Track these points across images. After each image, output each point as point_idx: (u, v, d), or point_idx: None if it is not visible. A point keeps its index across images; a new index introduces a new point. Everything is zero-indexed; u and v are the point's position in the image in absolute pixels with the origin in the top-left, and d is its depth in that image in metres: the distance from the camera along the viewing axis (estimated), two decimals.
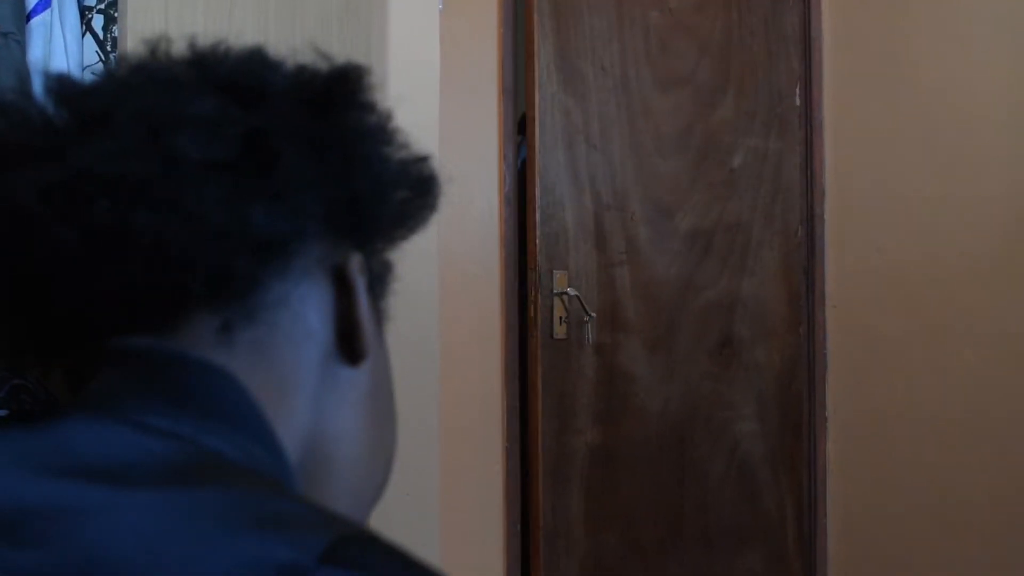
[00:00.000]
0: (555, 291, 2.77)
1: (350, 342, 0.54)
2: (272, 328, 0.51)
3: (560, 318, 2.78)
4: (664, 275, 2.94)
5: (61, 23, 1.75)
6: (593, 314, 2.79)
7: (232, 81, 0.51)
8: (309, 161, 0.51)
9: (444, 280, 2.28)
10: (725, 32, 3.02)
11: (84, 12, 1.81)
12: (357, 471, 0.54)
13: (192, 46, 0.54)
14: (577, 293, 2.77)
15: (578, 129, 2.81)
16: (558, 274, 2.78)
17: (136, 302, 0.49)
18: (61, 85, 0.53)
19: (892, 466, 2.80)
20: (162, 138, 0.48)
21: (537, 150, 2.75)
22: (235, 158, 0.49)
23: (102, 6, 1.83)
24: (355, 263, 0.54)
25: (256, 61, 0.54)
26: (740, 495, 3.03)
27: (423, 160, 0.57)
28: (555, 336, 2.77)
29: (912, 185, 2.73)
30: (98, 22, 1.83)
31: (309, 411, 0.52)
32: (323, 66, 0.55)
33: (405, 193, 0.56)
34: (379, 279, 0.59)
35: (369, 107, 0.55)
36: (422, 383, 1.77)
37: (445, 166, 0.61)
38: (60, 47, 1.75)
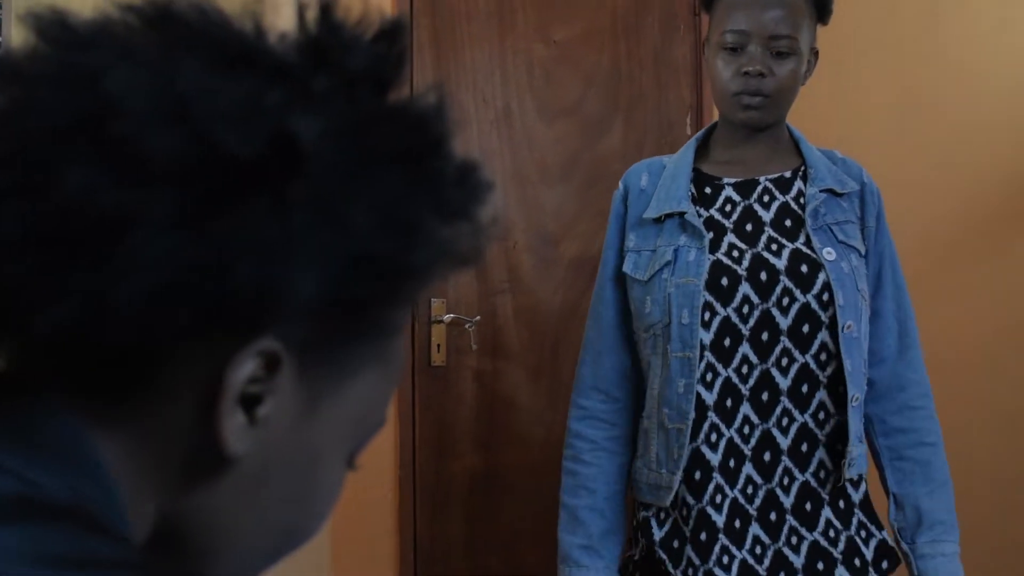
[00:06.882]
0: (432, 319, 2.81)
1: (214, 448, 0.49)
2: (146, 411, 0.48)
3: (437, 346, 2.82)
4: (548, 303, 2.97)
5: None
6: (475, 345, 2.82)
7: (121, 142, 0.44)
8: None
9: None
10: (613, 64, 3.06)
11: None
12: (239, 542, 0.52)
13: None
14: (455, 320, 2.81)
15: None
16: (435, 302, 2.82)
17: None
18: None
19: None
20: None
21: None
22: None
23: None
24: (236, 370, 0.47)
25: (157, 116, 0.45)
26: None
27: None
28: (433, 364, 2.81)
29: None
30: None
31: (174, 484, 0.50)
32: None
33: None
34: (330, 336, 0.50)
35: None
36: None
37: None
38: None
